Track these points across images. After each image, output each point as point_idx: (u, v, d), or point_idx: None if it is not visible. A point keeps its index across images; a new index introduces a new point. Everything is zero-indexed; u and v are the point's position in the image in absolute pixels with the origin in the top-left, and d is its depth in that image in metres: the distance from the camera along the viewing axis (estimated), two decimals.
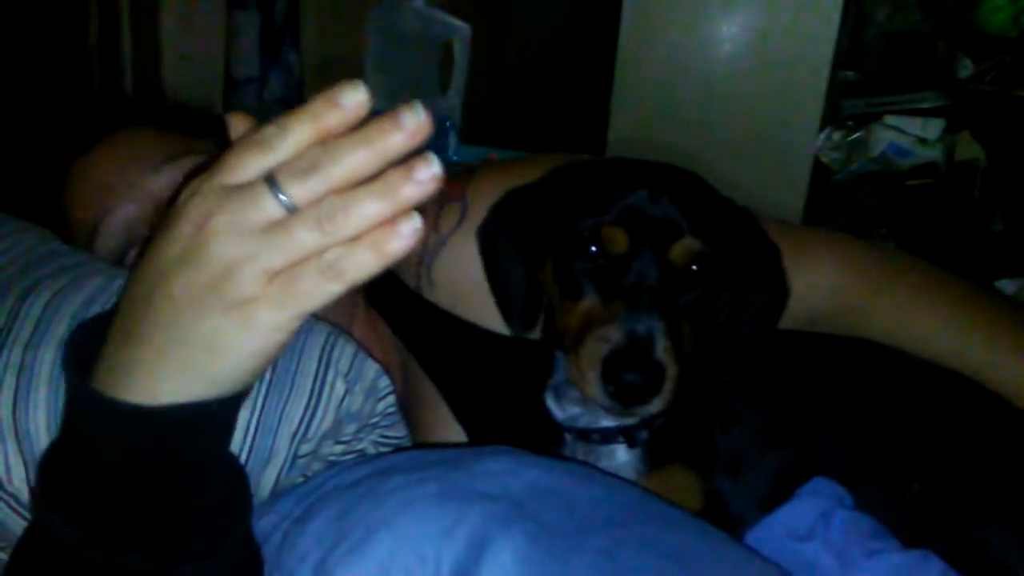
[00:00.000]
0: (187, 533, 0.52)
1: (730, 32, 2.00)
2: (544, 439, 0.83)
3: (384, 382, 0.78)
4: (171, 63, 1.77)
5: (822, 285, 0.88)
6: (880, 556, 0.72)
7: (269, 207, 0.44)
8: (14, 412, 0.67)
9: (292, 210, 0.44)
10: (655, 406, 0.70)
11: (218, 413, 0.50)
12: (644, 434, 0.80)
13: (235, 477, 0.56)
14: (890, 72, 2.37)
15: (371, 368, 0.77)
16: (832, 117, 2.14)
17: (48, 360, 0.68)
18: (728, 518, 0.76)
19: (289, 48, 2.11)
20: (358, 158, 0.44)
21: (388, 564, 0.60)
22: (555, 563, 0.60)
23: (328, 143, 0.45)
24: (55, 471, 0.53)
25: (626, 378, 0.68)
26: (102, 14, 1.61)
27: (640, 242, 0.73)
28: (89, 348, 0.51)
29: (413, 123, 0.44)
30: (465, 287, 0.89)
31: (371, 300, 0.95)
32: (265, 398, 0.71)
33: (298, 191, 0.44)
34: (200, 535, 0.53)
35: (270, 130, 0.45)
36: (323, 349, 0.75)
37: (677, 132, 1.99)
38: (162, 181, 0.85)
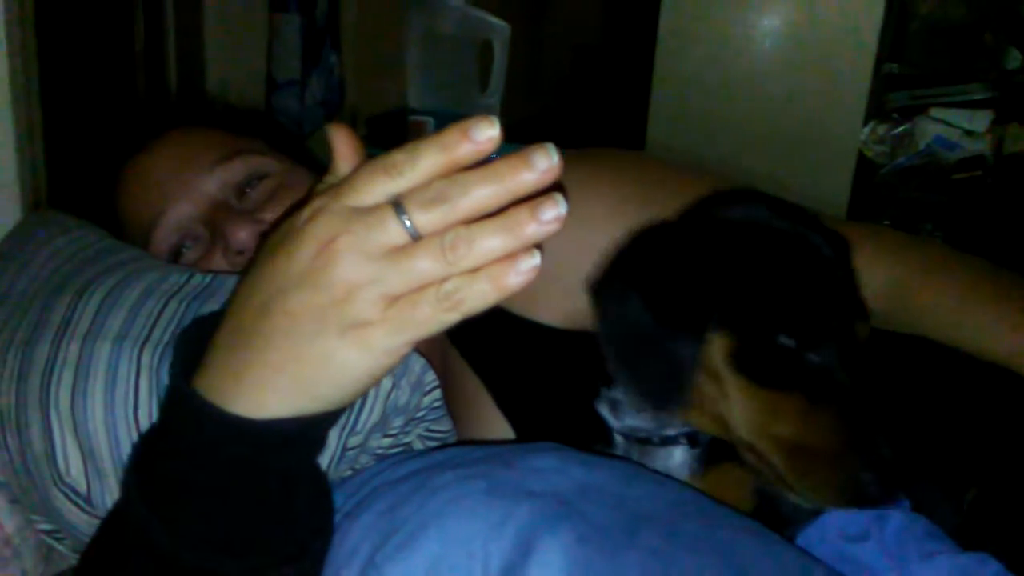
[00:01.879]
0: (278, 541, 0.53)
1: (771, 26, 1.98)
2: (593, 435, 0.82)
3: (430, 376, 0.78)
4: (214, 66, 1.80)
5: (871, 283, 0.87)
6: (936, 559, 0.71)
7: (394, 232, 0.45)
8: (72, 405, 0.69)
9: (415, 237, 0.45)
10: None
11: (316, 429, 0.51)
12: (706, 436, 0.79)
13: (322, 488, 0.58)
14: (935, 64, 2.33)
15: (417, 363, 0.77)
16: (876, 111, 2.11)
17: (104, 354, 0.70)
18: (780, 518, 0.75)
19: (330, 50, 2.13)
20: (486, 193, 0.45)
21: (437, 560, 0.60)
22: (604, 562, 0.59)
23: (457, 175, 0.45)
24: (149, 464, 0.54)
25: (872, 492, 0.65)
26: (148, 19, 1.64)
27: (839, 331, 0.68)
28: (195, 348, 0.52)
29: (544, 164, 0.44)
30: None
31: None
32: None
33: (424, 219, 0.45)
34: (288, 544, 0.54)
35: (399, 156, 0.46)
36: None
37: (717, 129, 1.98)
38: (215, 181, 0.86)
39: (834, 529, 0.73)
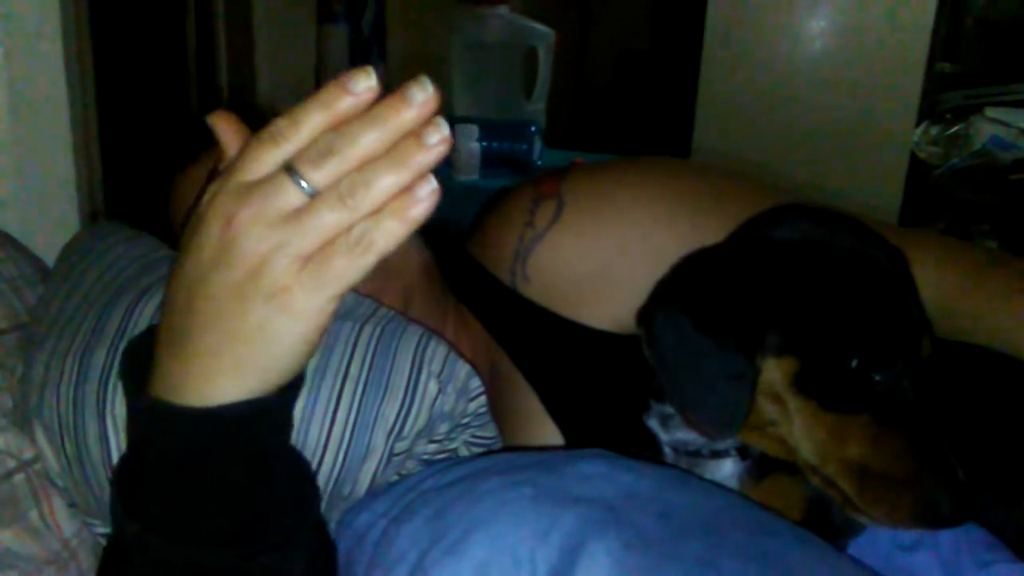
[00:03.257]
0: (260, 527, 0.54)
1: (820, 27, 1.96)
2: (642, 442, 0.81)
3: (476, 382, 0.79)
4: (264, 77, 1.83)
5: (922, 289, 0.85)
6: (992, 568, 0.69)
7: (291, 195, 0.46)
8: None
9: (313, 195, 0.46)
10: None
11: (275, 407, 0.52)
12: (757, 449, 0.78)
13: (300, 469, 0.58)
14: (990, 62, 2.29)
15: (463, 368, 0.78)
16: (929, 111, 2.08)
17: None
18: (831, 527, 0.74)
19: (376, 59, 2.16)
20: (372, 138, 0.45)
21: (484, 566, 0.60)
22: (650, 569, 0.59)
23: (341, 127, 0.46)
24: (126, 479, 0.55)
25: (946, 514, 0.64)
26: (199, 32, 1.67)
27: (908, 351, 0.67)
28: (140, 360, 0.53)
29: (422, 97, 0.45)
30: (561, 283, 0.89)
31: (463, 298, 0.96)
32: (362, 397, 0.72)
33: (317, 175, 0.45)
34: (272, 528, 0.54)
35: (281, 123, 0.47)
36: (416, 350, 0.76)
37: (765, 133, 1.96)
38: None
39: (887, 538, 0.72)
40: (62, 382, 0.74)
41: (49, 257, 0.98)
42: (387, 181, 0.45)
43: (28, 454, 0.76)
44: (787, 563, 0.62)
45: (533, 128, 2.00)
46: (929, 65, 1.92)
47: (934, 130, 2.16)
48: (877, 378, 0.66)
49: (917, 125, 1.99)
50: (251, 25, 1.80)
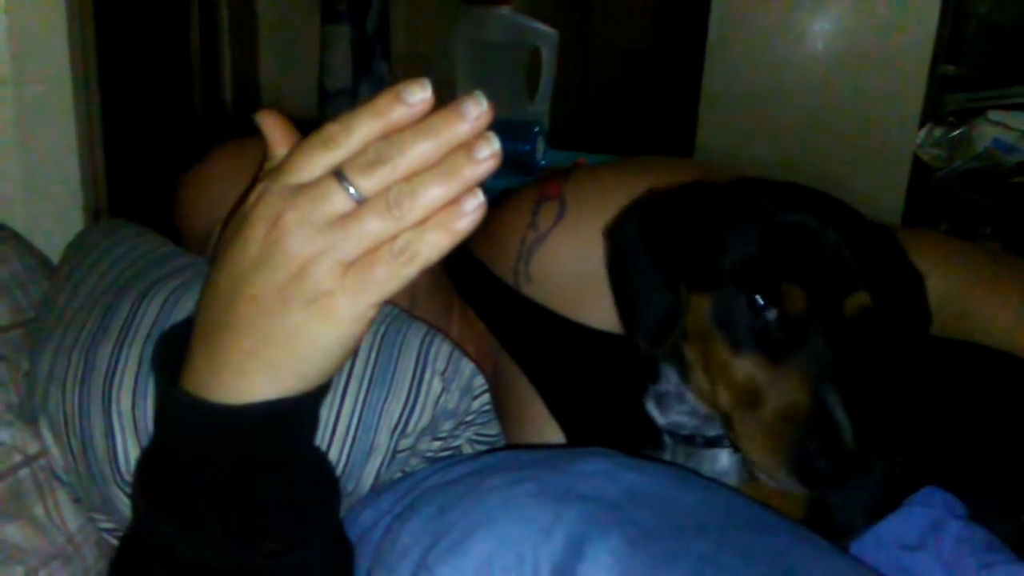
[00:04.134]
0: (282, 525, 0.54)
1: (823, 28, 1.96)
2: (644, 438, 0.82)
3: (479, 380, 0.79)
4: (268, 77, 1.83)
5: (932, 290, 0.85)
6: (995, 569, 0.69)
7: (338, 200, 0.46)
8: (133, 406, 0.71)
9: (360, 202, 0.46)
10: (841, 484, 0.66)
11: (304, 408, 0.52)
12: None
13: (323, 469, 0.58)
14: (993, 65, 2.29)
15: (467, 366, 0.78)
16: (932, 113, 2.08)
17: None
18: (833, 527, 0.74)
19: (380, 60, 2.16)
20: (423, 148, 0.45)
21: (488, 562, 0.60)
22: (653, 567, 0.59)
23: (392, 136, 0.46)
24: (151, 472, 0.55)
25: (819, 467, 0.64)
26: (203, 33, 1.67)
27: (816, 298, 0.68)
28: (175, 353, 0.53)
29: (476, 112, 0.45)
30: (563, 283, 0.89)
31: (467, 298, 0.96)
32: (366, 394, 0.72)
33: (366, 183, 0.46)
34: (294, 527, 0.54)
35: (334, 128, 0.47)
36: (420, 348, 0.76)
37: (768, 133, 1.96)
38: None
39: (890, 538, 0.72)
40: (67, 378, 0.74)
41: (54, 254, 0.98)
42: (435, 193, 0.45)
43: (33, 449, 0.76)
44: (789, 562, 0.62)
45: (536, 128, 2.00)
46: (932, 68, 1.92)
47: (937, 132, 2.16)
48: (771, 317, 0.68)
49: (920, 127, 1.99)
50: (255, 25, 1.80)
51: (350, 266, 0.46)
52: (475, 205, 0.45)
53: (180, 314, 0.74)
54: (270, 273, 0.46)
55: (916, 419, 0.80)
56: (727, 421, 0.72)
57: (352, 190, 0.46)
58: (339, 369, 0.51)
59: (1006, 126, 2.08)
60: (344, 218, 0.46)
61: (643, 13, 3.22)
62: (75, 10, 1.05)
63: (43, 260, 0.97)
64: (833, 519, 0.75)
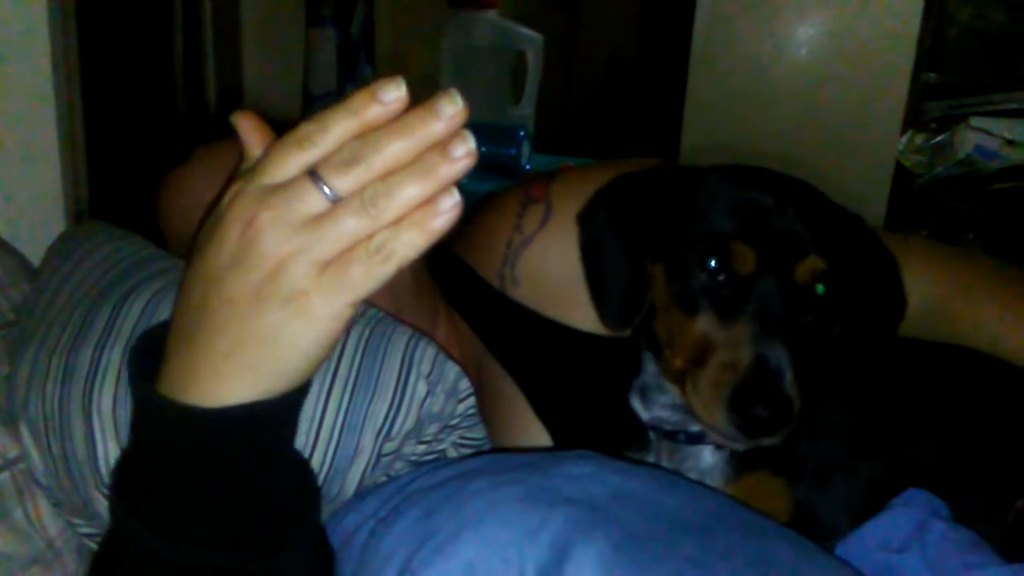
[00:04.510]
0: (261, 530, 0.53)
1: (807, 35, 1.97)
2: (629, 437, 0.82)
3: (464, 384, 0.79)
4: (252, 80, 1.82)
5: (911, 293, 0.86)
6: (979, 569, 0.69)
7: (313, 200, 0.46)
8: (114, 410, 0.70)
9: (335, 201, 0.45)
10: (780, 438, 0.67)
11: (283, 410, 0.51)
12: None
13: (303, 472, 0.58)
14: (975, 72, 2.31)
15: (452, 370, 0.78)
16: (914, 120, 2.09)
17: None
18: (818, 529, 0.74)
19: (365, 64, 2.16)
20: (399, 147, 0.45)
21: (473, 566, 0.60)
22: (639, 569, 0.59)
23: (367, 135, 0.46)
24: (128, 476, 0.54)
25: (756, 412, 0.66)
26: (186, 35, 1.66)
27: (765, 260, 0.70)
28: (152, 355, 0.53)
29: (451, 110, 0.45)
30: (549, 285, 0.90)
31: (452, 301, 0.96)
32: (351, 397, 0.72)
33: (341, 182, 0.45)
34: (274, 531, 0.54)
35: (308, 127, 0.47)
36: (406, 351, 0.76)
37: (753, 139, 1.97)
38: None
39: (875, 540, 0.72)
40: (48, 381, 0.74)
41: (35, 257, 0.97)
42: (410, 192, 0.45)
43: (13, 453, 0.75)
44: (776, 564, 0.62)
45: (521, 132, 2.00)
46: (914, 74, 1.93)
47: (919, 139, 2.17)
48: (722, 278, 0.70)
49: (902, 134, 2.01)
50: (239, 28, 1.80)
51: (326, 266, 0.46)
52: (451, 204, 0.45)
53: (161, 317, 0.73)
54: (245, 274, 0.46)
55: (900, 421, 0.80)
56: (681, 386, 0.73)
57: (327, 190, 0.45)
58: (316, 370, 0.50)
59: (988, 132, 2.10)
60: (319, 218, 0.45)
61: (629, 19, 3.23)
62: (57, 12, 1.04)
63: (24, 263, 0.96)
64: (818, 521, 0.75)
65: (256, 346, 0.47)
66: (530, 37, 1.99)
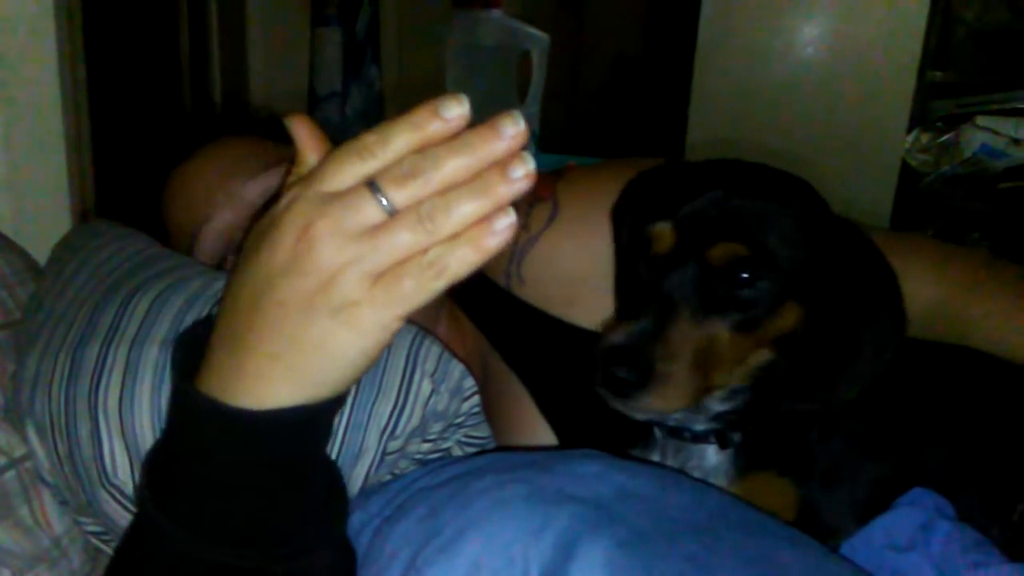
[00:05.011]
0: (289, 532, 0.53)
1: (811, 34, 1.96)
2: (634, 435, 0.82)
3: (469, 382, 0.79)
4: (257, 80, 1.83)
5: (917, 294, 0.85)
6: (984, 569, 0.69)
7: (370, 211, 0.46)
8: (120, 408, 0.70)
9: (392, 214, 0.46)
10: (644, 401, 0.69)
11: (321, 416, 0.52)
12: (737, 436, 0.79)
13: (333, 478, 0.58)
14: (981, 71, 2.30)
15: (456, 368, 0.78)
16: (920, 119, 2.09)
17: (152, 358, 0.71)
18: (823, 528, 0.74)
19: (370, 63, 2.16)
20: (458, 164, 0.46)
21: (478, 564, 0.60)
22: (643, 568, 0.59)
23: (427, 150, 0.46)
24: (161, 471, 0.54)
25: (616, 372, 0.68)
26: (193, 31, 1.67)
27: (680, 242, 0.72)
28: (194, 351, 0.53)
29: (512, 130, 0.46)
30: (555, 284, 0.90)
31: (458, 299, 0.96)
32: (355, 396, 0.72)
33: (399, 195, 0.46)
34: (301, 533, 0.54)
35: (371, 138, 0.47)
36: (410, 349, 0.76)
37: (758, 137, 1.96)
38: (258, 189, 0.87)
39: (880, 539, 0.72)
40: (54, 380, 0.74)
41: (41, 255, 0.97)
42: (467, 209, 0.45)
43: (19, 451, 0.76)
44: (780, 564, 0.62)
45: (528, 135, 2.00)
46: (920, 73, 1.93)
47: (925, 138, 2.17)
48: (642, 267, 0.74)
49: (908, 133, 2.00)
50: (244, 27, 1.80)
51: (378, 277, 0.46)
52: (506, 224, 0.46)
53: (167, 315, 0.74)
54: (298, 280, 0.46)
55: (906, 421, 0.80)
56: None
57: (384, 202, 0.46)
58: (358, 380, 0.50)
59: (994, 131, 2.09)
60: (375, 229, 0.46)
61: (634, 18, 3.23)
62: (63, 11, 1.05)
63: (30, 261, 0.96)
64: (823, 520, 0.75)
65: (303, 352, 0.47)
66: (536, 36, 1.99)
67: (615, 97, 3.19)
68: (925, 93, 2.09)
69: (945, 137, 2.15)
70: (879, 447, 0.78)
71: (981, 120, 2.12)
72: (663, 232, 0.72)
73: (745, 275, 0.70)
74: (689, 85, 2.01)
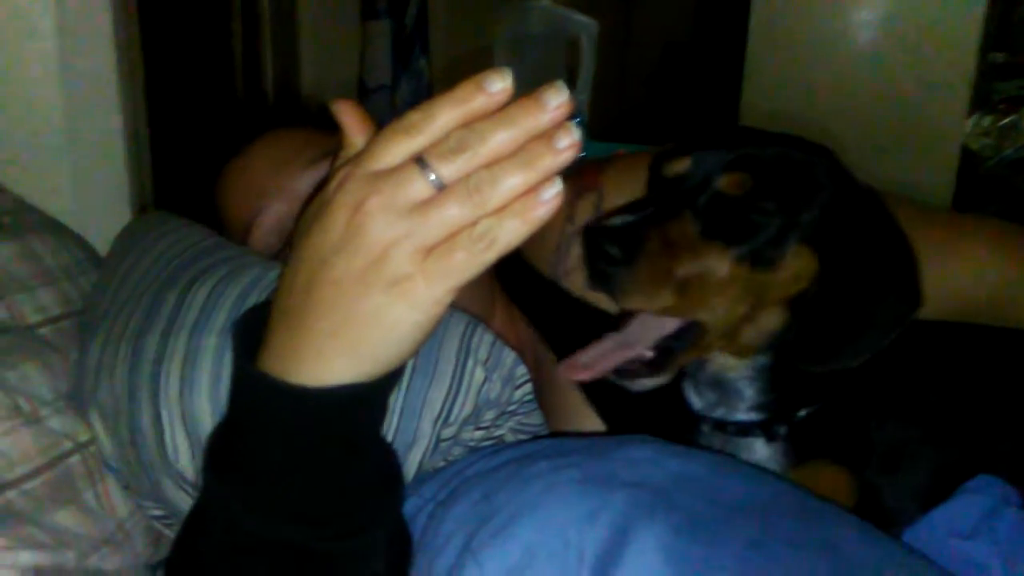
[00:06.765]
0: (347, 509, 0.54)
1: (866, 19, 1.92)
2: (681, 429, 0.81)
3: (521, 370, 0.79)
4: (308, 74, 1.84)
5: (980, 276, 0.83)
6: None
7: (420, 186, 0.46)
8: (180, 395, 0.71)
9: (441, 189, 0.46)
10: (626, 282, 0.67)
11: (379, 393, 0.53)
12: (783, 429, 0.77)
13: (389, 456, 0.58)
14: None
15: (509, 356, 0.78)
16: (982, 101, 2.03)
17: (210, 346, 0.72)
18: (884, 515, 0.73)
19: (419, 55, 2.17)
20: (504, 137, 0.46)
21: (534, 547, 0.60)
22: (700, 553, 0.58)
23: (473, 124, 0.46)
24: (222, 449, 0.56)
25: (605, 248, 0.68)
26: (245, 27, 1.69)
27: (694, 172, 0.72)
28: (253, 334, 0.54)
29: (556, 101, 0.46)
30: None
31: (507, 289, 0.96)
32: (409, 383, 0.73)
33: (447, 169, 0.46)
34: (358, 511, 0.55)
35: (415, 116, 0.47)
36: (463, 337, 0.76)
37: (812, 123, 1.93)
38: (310, 180, 0.88)
39: (943, 526, 0.70)
40: (116, 367, 0.75)
41: (101, 246, 1.00)
42: (514, 180, 0.46)
43: (83, 437, 0.77)
44: (840, 550, 0.61)
45: (577, 119, 1.99)
46: (981, 55, 1.88)
47: (986, 121, 2.11)
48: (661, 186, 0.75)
49: (969, 116, 1.95)
50: (296, 21, 1.82)
51: (430, 251, 0.47)
52: (553, 193, 0.46)
53: (225, 304, 0.75)
54: (352, 257, 0.47)
55: (971, 407, 0.78)
56: None
57: (433, 176, 0.46)
58: (414, 354, 0.51)
59: None
60: (425, 204, 0.46)
61: (684, 5, 3.19)
62: (120, 6, 1.07)
63: (91, 252, 0.98)
64: (884, 507, 0.74)
65: (359, 327, 0.48)
66: (585, 23, 1.98)
67: (665, 84, 3.16)
68: (986, 75, 2.03)
69: (1007, 119, 2.09)
70: (943, 433, 0.77)
71: None
72: (678, 162, 0.73)
73: (752, 204, 0.71)
74: (741, 71, 1.98)
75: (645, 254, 0.67)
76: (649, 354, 0.73)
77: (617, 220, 0.69)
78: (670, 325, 0.73)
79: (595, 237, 0.68)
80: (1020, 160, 2.03)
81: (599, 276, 0.68)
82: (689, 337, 0.73)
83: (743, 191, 0.71)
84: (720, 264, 0.70)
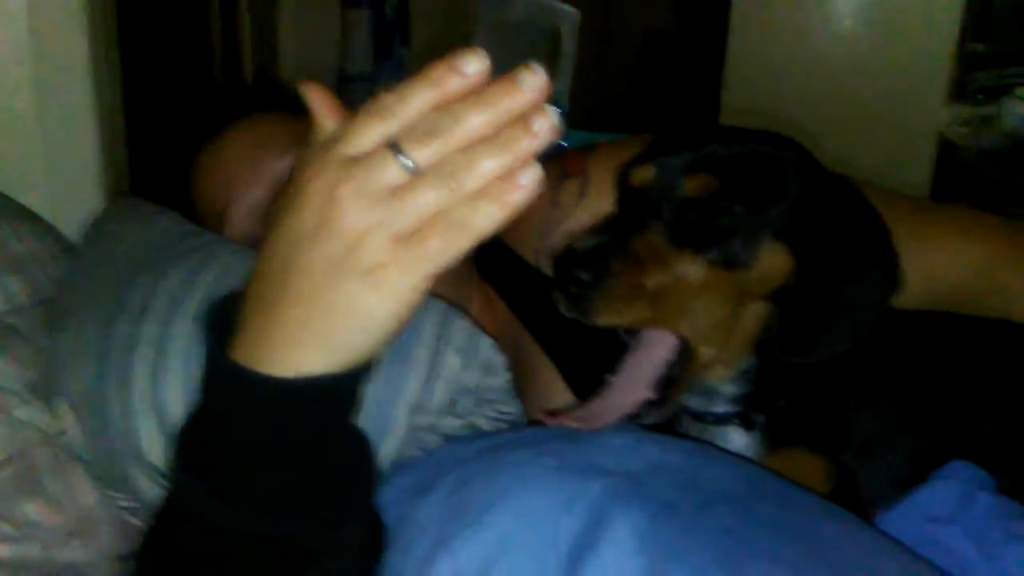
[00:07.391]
0: (320, 501, 0.53)
1: (847, 6, 1.92)
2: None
3: (498, 358, 0.78)
4: (287, 61, 1.83)
5: (962, 264, 0.83)
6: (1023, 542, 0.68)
7: (393, 172, 0.45)
8: (151, 384, 0.70)
9: (415, 174, 0.45)
10: (596, 304, 0.67)
11: (352, 383, 0.51)
12: (761, 418, 0.78)
13: (363, 447, 0.57)
14: (1022, 42, 2.24)
15: (485, 344, 0.77)
16: (960, 91, 2.04)
17: (182, 334, 0.71)
18: (860, 500, 0.73)
19: (400, 44, 2.15)
20: (479, 119, 0.45)
21: (508, 537, 0.59)
22: (676, 539, 0.58)
23: (448, 107, 0.45)
24: (193, 440, 0.54)
25: (575, 274, 0.67)
26: (224, 13, 1.68)
27: (659, 179, 0.72)
28: (225, 322, 0.53)
29: (533, 83, 0.45)
30: None
31: (487, 276, 0.95)
32: (384, 371, 0.72)
33: (421, 154, 0.45)
34: (331, 502, 0.54)
35: (388, 99, 0.46)
36: (439, 325, 0.75)
37: (792, 112, 1.93)
38: (287, 165, 0.87)
39: (918, 511, 0.71)
40: (85, 356, 0.74)
41: (74, 233, 0.98)
42: (490, 164, 0.44)
43: (51, 427, 0.76)
44: (815, 536, 0.61)
45: (558, 109, 1.99)
46: (960, 45, 1.89)
47: (964, 111, 2.12)
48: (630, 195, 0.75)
49: (947, 105, 1.96)
50: (275, 9, 1.80)
51: (405, 239, 0.46)
52: (530, 177, 0.45)
53: (197, 292, 0.74)
54: (325, 245, 0.46)
55: (946, 393, 0.78)
56: None
57: (407, 161, 0.45)
58: (388, 344, 0.50)
59: None
60: (399, 190, 0.45)
61: None
62: None
63: (62, 240, 0.97)
64: (860, 493, 0.74)
65: (332, 316, 0.47)
66: (566, 12, 1.97)
67: (646, 73, 3.16)
68: (965, 65, 2.04)
69: (985, 110, 2.10)
70: (918, 419, 0.77)
71: (1022, 92, 2.07)
72: (642, 171, 0.73)
73: (718, 206, 0.70)
74: (722, 60, 1.98)
75: (613, 273, 0.66)
76: (651, 395, 0.72)
77: (585, 243, 0.68)
78: (660, 356, 0.73)
79: (564, 263, 0.67)
80: (998, 150, 2.04)
81: (571, 300, 0.68)
82: (681, 362, 0.72)
83: (708, 193, 0.70)
84: (692, 270, 0.70)
